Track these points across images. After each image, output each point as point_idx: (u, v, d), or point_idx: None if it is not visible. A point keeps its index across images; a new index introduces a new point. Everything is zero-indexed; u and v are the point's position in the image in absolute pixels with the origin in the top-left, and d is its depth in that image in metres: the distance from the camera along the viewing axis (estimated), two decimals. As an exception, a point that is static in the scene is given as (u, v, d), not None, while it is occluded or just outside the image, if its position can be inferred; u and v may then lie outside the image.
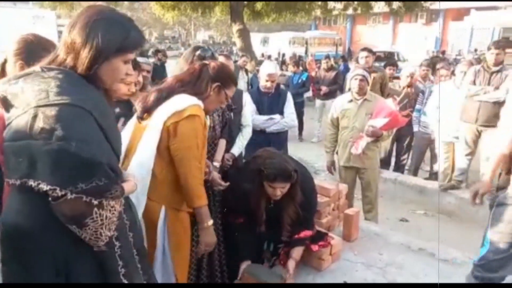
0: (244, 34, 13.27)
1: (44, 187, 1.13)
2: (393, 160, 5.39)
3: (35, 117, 1.14)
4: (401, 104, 3.25)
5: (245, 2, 13.30)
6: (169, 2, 12.90)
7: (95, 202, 1.15)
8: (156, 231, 1.80)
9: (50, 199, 1.13)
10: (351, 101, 3.46)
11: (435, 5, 16.51)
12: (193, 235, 2.05)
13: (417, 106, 4.70)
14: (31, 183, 1.15)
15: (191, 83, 1.86)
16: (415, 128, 4.78)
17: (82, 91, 1.21)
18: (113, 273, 1.31)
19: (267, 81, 3.40)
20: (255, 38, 21.84)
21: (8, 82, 1.23)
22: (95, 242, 1.20)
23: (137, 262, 1.42)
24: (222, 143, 2.37)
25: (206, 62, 1.98)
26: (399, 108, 3.29)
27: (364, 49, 5.03)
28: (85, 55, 1.23)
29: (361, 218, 3.45)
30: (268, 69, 3.48)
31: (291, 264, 2.32)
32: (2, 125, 1.60)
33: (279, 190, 2.15)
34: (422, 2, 13.78)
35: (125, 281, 1.33)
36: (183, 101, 1.78)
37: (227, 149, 2.47)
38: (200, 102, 1.82)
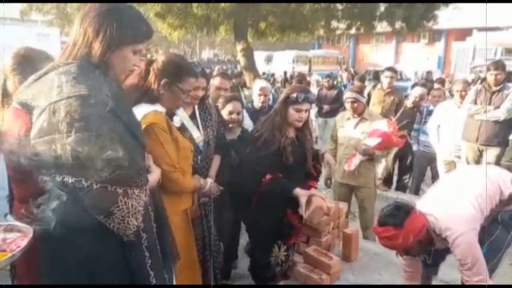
0: (248, 53, 13.46)
1: (69, 179, 1.15)
2: (395, 179, 5.37)
3: (54, 112, 1.17)
4: (400, 124, 3.27)
5: (249, 22, 13.53)
6: (175, 22, 13.10)
7: (120, 191, 1.18)
8: None
9: (77, 191, 1.15)
10: (349, 119, 3.52)
11: (438, 26, 16.66)
12: None
13: (416, 126, 4.71)
14: (58, 178, 1.17)
15: (139, 86, 1.81)
16: (415, 147, 4.77)
17: (96, 81, 1.24)
18: (141, 266, 1.33)
19: (260, 95, 3.59)
20: (259, 56, 22.09)
21: (25, 87, 1.28)
22: (124, 231, 1.22)
23: (159, 253, 1.44)
24: (217, 159, 2.34)
25: (153, 59, 1.91)
26: (399, 127, 3.31)
27: (389, 68, 5.11)
28: (97, 44, 1.26)
29: (361, 238, 3.43)
30: (259, 84, 3.71)
31: None
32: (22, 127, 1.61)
33: (304, 112, 2.32)
34: (425, 22, 13.93)
35: (152, 273, 1.36)
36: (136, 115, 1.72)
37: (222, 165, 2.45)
38: (154, 107, 1.78)
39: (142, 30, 1.36)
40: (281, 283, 2.59)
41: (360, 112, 3.44)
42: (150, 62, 1.85)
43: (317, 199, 2.19)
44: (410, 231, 2.04)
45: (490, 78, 3.94)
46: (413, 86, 5.98)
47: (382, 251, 3.19)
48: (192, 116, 2.18)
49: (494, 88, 3.94)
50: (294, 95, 2.29)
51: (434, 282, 2.69)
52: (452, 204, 2.18)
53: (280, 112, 2.33)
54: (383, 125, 3.23)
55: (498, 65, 3.90)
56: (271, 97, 4.13)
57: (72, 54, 1.29)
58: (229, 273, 2.94)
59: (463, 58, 20.11)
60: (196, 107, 2.21)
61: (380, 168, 5.39)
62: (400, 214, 2.09)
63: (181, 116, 2.07)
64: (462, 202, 2.16)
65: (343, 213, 3.31)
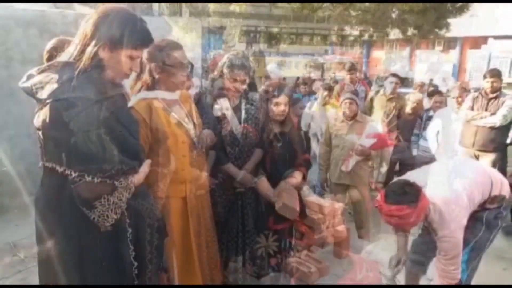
0: (259, 58, 13.65)
1: (73, 173, 1.30)
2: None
3: (51, 110, 1.29)
4: (390, 125, 3.41)
5: (262, 27, 13.73)
6: (187, 25, 13.36)
7: (113, 182, 1.33)
8: None
9: (70, 182, 1.31)
10: (342, 121, 3.65)
11: (452, 33, 16.57)
12: None
13: (415, 131, 4.78)
14: (59, 169, 1.33)
15: (139, 78, 1.96)
16: (414, 152, 4.85)
17: (92, 83, 1.34)
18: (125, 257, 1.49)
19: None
20: (272, 62, 22.20)
21: (27, 77, 1.40)
22: (102, 223, 1.36)
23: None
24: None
25: None
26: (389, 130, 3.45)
27: (394, 75, 5.26)
28: (91, 45, 1.36)
29: (356, 238, 3.54)
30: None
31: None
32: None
33: (283, 105, 2.54)
34: (437, 30, 13.93)
35: (135, 263, 1.51)
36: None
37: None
38: (153, 93, 1.88)
39: (139, 37, 1.42)
40: (271, 274, 2.72)
41: (354, 115, 3.58)
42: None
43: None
44: (421, 210, 2.00)
45: (487, 85, 4.04)
46: (428, 94, 6.02)
47: (372, 250, 3.30)
48: (189, 114, 2.30)
49: (490, 95, 4.04)
50: (270, 90, 2.49)
51: (424, 281, 2.77)
52: (447, 193, 2.15)
53: (262, 110, 2.51)
54: (378, 127, 3.37)
55: (494, 73, 4.03)
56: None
57: (72, 55, 1.39)
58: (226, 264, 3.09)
59: (478, 66, 19.94)
60: (192, 105, 2.34)
61: (381, 172, 5.48)
62: (413, 191, 2.02)
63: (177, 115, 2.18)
64: (457, 192, 2.14)
65: (338, 213, 3.43)
